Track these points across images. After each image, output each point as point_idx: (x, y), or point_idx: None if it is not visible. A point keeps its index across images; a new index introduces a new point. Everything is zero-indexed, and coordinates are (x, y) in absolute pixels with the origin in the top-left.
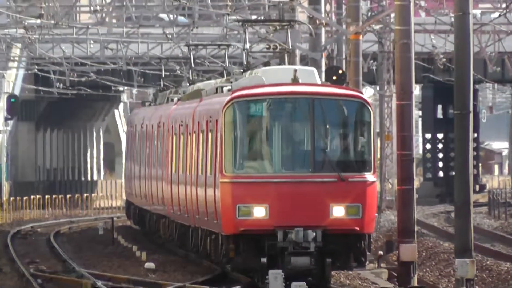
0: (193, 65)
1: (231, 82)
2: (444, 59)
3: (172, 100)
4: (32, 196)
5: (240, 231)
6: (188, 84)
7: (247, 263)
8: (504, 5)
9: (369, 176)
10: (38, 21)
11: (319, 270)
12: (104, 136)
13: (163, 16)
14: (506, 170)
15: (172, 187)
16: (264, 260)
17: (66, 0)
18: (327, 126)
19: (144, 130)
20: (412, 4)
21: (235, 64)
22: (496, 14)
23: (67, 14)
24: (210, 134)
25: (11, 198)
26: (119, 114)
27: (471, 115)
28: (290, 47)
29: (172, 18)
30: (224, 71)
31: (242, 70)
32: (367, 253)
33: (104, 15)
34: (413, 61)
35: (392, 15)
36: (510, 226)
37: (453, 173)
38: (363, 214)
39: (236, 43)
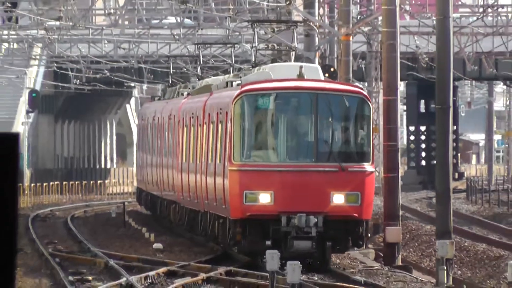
0: (201, 62)
1: (240, 77)
2: (427, 59)
3: (182, 94)
4: (51, 183)
5: (247, 216)
6: (197, 80)
7: (253, 246)
8: (481, 10)
9: (368, 167)
10: (58, 23)
11: (320, 253)
12: (116, 128)
13: (171, 18)
14: (482, 160)
15: (182, 175)
16: (268, 243)
17: (83, 3)
18: (330, 119)
19: (156, 123)
20: (397, 8)
21: (237, 62)
22: (474, 18)
23: (84, 17)
24: (220, 125)
25: (32, 184)
26: (131, 108)
27: (451, 109)
28: (296, 45)
29: (179, 20)
30: (230, 68)
31: (251, 66)
32: (365, 238)
33: (117, 17)
34: (398, 60)
35: (380, 18)
36: (486, 210)
37: (435, 162)
38: (361, 201)
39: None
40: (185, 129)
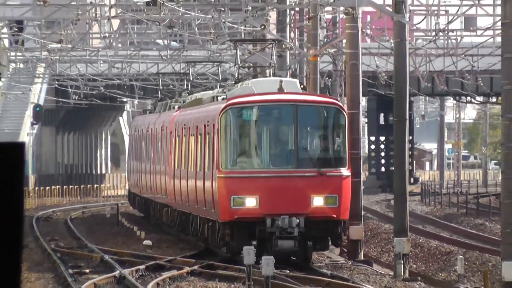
0: (191, 79)
1: (225, 92)
2: (386, 77)
3: (173, 107)
4: (53, 187)
5: (235, 218)
6: (187, 94)
7: (240, 246)
8: (433, 34)
9: (344, 171)
10: (59, 45)
11: (302, 251)
12: (111, 138)
13: (159, 41)
14: (435, 166)
15: (175, 181)
16: (254, 243)
17: (81, 28)
18: (308, 129)
19: (149, 133)
20: (359, 32)
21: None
22: (427, 41)
23: (82, 40)
24: (207, 136)
25: (36, 188)
26: (123, 120)
27: (407, 122)
28: (275, 62)
29: (166, 43)
30: (217, 83)
31: (234, 82)
32: (343, 237)
33: (111, 40)
34: (361, 78)
35: (344, 41)
36: (438, 211)
37: (393, 168)
38: (339, 203)
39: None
40: (177, 139)
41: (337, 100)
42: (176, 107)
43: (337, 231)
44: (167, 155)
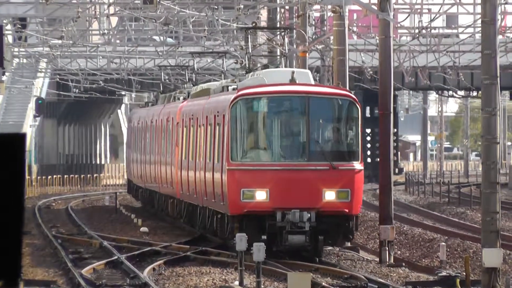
0: (195, 69)
1: (235, 82)
2: (371, 72)
3: (178, 99)
4: (54, 176)
5: (244, 212)
6: (191, 86)
7: (250, 240)
8: (417, 31)
9: (357, 165)
10: (60, 41)
11: (313, 246)
12: (109, 129)
13: (156, 37)
14: (418, 157)
15: (182, 172)
16: (264, 237)
17: (81, 25)
18: (321, 121)
19: (153, 124)
20: (346, 30)
21: (212, 74)
22: (411, 38)
23: (82, 36)
24: (217, 127)
25: (38, 177)
26: (122, 112)
27: (392, 115)
28: (287, 50)
29: (162, 39)
30: (222, 75)
31: (245, 72)
32: (354, 232)
33: (110, 37)
34: (347, 73)
35: (331, 37)
36: (421, 200)
37: (378, 159)
38: (351, 198)
39: (229, 52)
40: (184, 129)
41: (350, 92)
42: (182, 98)
43: (349, 226)
44: (174, 146)
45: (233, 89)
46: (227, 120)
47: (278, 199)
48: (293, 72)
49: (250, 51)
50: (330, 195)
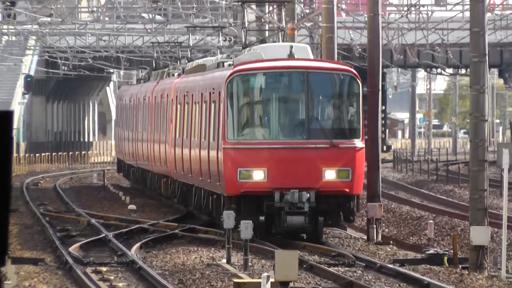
0: (191, 44)
1: (231, 58)
2: (360, 49)
3: (173, 75)
4: (42, 153)
5: (241, 192)
6: (187, 61)
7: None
8: (405, 8)
9: (358, 143)
10: (49, 19)
11: (312, 227)
12: (98, 107)
13: (144, 15)
14: (407, 135)
15: (176, 150)
16: (262, 218)
17: (70, 2)
18: (320, 97)
19: (146, 101)
20: (335, 7)
21: (200, 51)
22: (399, 15)
23: (71, 14)
24: (213, 104)
25: (26, 155)
26: (110, 90)
27: (380, 92)
28: (285, 24)
29: (151, 17)
30: (218, 49)
31: (241, 47)
32: (355, 212)
33: (99, 14)
34: (336, 51)
35: (320, 15)
36: (409, 178)
37: (367, 137)
38: (352, 177)
39: (227, 27)
40: (179, 107)
41: (351, 67)
42: (176, 74)
43: (350, 206)
44: (168, 123)
45: (229, 65)
46: (223, 97)
47: (276, 179)
48: (291, 47)
49: (247, 26)
50: (330, 174)
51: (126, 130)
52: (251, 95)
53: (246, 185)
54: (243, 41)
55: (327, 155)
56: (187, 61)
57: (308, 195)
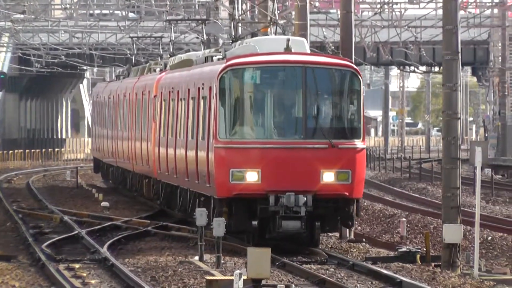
0: (173, 39)
1: (220, 52)
2: (333, 47)
3: (155, 70)
4: (16, 150)
5: (233, 195)
6: (169, 56)
7: (239, 226)
8: (379, 6)
9: (359, 143)
10: (22, 16)
11: (309, 233)
12: (71, 104)
13: (118, 12)
14: (380, 133)
15: (160, 150)
16: (255, 223)
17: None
18: (319, 94)
19: (127, 98)
20: (308, 4)
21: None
22: (373, 13)
23: (44, 11)
24: (202, 101)
25: (0, 152)
26: (83, 87)
27: None
28: (277, 17)
29: (124, 14)
30: (202, 44)
31: (231, 41)
32: (355, 217)
33: (72, 11)
34: (309, 48)
35: (293, 12)
36: (382, 175)
37: None
38: (352, 179)
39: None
40: (163, 103)
41: (351, 62)
42: (158, 70)
43: (349, 210)
44: (151, 121)
45: (219, 59)
46: (214, 93)
47: (271, 181)
48: (288, 40)
49: (238, 18)
50: (328, 177)
51: (104, 128)
52: (245, 91)
53: (239, 187)
54: (233, 34)
55: (326, 156)
56: (169, 56)
57: (305, 198)
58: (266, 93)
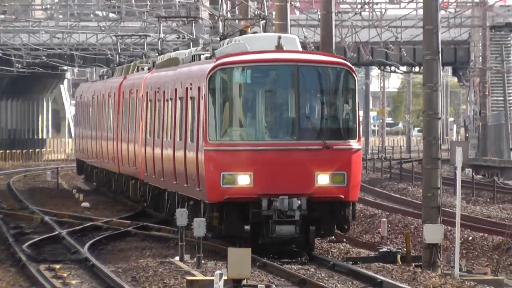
0: (162, 37)
1: (207, 50)
2: (313, 47)
3: (142, 69)
4: None
5: (224, 199)
6: (157, 55)
7: (231, 231)
8: (359, 6)
9: (354, 144)
10: (2, 16)
11: (303, 237)
12: (52, 104)
13: (98, 12)
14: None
15: (146, 151)
16: (247, 228)
17: (24, 0)
18: (312, 93)
19: (112, 98)
20: (288, 5)
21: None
22: (353, 13)
23: (25, 11)
24: (190, 101)
25: None
26: (64, 88)
27: None
28: (267, 13)
29: (104, 14)
30: (191, 42)
31: (219, 39)
32: (351, 221)
33: (53, 11)
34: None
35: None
36: (363, 176)
37: None
38: (348, 182)
39: (198, 18)
40: (149, 104)
41: (346, 60)
42: (146, 68)
43: (345, 214)
44: (138, 121)
45: (207, 57)
46: (203, 94)
47: (263, 184)
48: (279, 38)
49: (225, 16)
50: (323, 179)
51: (88, 128)
52: (236, 90)
53: (230, 191)
54: (221, 32)
55: (320, 158)
56: (158, 55)
57: (299, 202)
58: (257, 93)
